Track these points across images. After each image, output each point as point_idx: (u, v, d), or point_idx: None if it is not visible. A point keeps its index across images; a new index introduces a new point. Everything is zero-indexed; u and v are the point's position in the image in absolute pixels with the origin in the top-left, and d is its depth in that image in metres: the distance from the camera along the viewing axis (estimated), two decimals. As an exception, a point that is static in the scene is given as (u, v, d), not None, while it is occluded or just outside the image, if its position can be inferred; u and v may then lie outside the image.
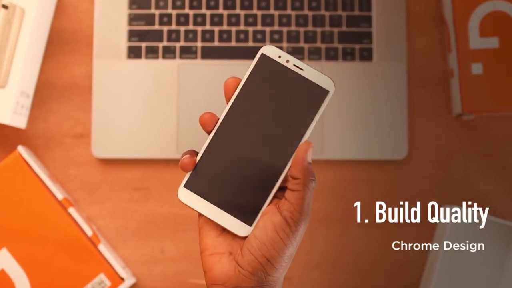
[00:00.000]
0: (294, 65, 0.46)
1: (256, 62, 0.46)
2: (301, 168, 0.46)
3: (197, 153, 0.48)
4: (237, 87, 0.47)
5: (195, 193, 0.46)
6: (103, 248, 0.70)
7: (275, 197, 0.48)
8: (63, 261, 0.69)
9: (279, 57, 0.47)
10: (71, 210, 0.70)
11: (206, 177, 0.46)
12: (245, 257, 0.46)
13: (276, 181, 0.46)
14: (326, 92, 0.46)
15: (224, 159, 0.46)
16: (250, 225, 0.46)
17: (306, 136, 0.47)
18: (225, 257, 0.47)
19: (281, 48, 0.74)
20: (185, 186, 0.46)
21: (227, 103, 0.47)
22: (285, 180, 0.48)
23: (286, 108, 0.46)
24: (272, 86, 0.46)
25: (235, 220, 0.46)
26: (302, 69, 0.47)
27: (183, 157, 0.47)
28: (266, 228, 0.45)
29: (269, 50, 0.47)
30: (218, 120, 0.47)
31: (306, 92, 0.46)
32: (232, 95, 0.47)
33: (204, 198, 0.46)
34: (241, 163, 0.46)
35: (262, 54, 0.47)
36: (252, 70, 0.46)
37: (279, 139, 0.46)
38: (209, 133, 0.48)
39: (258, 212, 0.46)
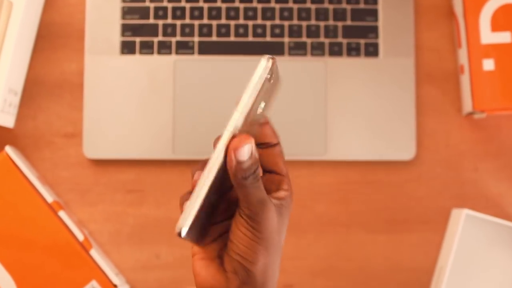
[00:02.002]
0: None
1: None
2: (231, 170, 0.45)
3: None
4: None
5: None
6: (95, 253, 0.70)
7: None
8: (53, 267, 0.69)
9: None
10: (62, 213, 0.70)
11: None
12: (225, 259, 0.48)
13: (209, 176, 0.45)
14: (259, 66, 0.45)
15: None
16: (184, 226, 0.45)
17: (236, 123, 0.46)
18: (215, 262, 0.48)
19: (282, 44, 0.74)
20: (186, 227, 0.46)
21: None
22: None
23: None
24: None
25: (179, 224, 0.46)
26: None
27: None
28: (232, 229, 0.47)
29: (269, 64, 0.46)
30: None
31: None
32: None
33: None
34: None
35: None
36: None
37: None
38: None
39: (191, 211, 0.45)
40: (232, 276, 0.47)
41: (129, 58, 0.74)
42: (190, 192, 0.47)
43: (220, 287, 0.47)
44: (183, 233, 0.45)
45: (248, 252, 0.46)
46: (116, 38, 0.74)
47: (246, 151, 0.45)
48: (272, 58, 0.46)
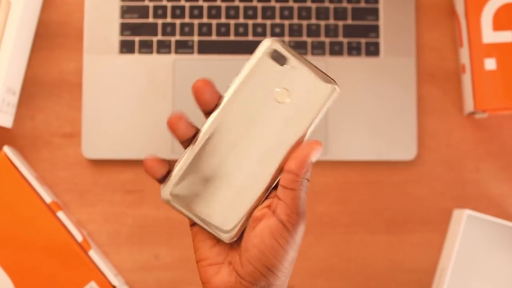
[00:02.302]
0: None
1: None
2: (302, 164, 0.44)
3: (191, 125, 0.46)
4: (207, 91, 0.45)
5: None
6: (94, 254, 0.69)
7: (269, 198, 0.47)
8: (52, 268, 0.69)
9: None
10: (60, 214, 0.70)
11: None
12: (245, 267, 0.45)
13: (265, 183, 0.46)
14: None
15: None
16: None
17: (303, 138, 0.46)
18: (225, 267, 0.46)
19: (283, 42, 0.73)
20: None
21: (199, 107, 0.46)
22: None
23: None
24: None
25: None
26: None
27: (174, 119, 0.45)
28: (263, 236, 0.44)
29: (270, 45, 0.46)
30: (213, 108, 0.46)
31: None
32: (232, 85, 0.46)
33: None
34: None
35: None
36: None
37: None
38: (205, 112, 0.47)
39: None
40: (251, 287, 0.44)
41: (128, 57, 0.74)
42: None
43: None
44: (163, 195, 0.45)
45: (280, 267, 0.44)
46: (115, 37, 0.74)
47: (317, 155, 0.45)
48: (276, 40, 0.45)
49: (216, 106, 0.46)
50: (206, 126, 0.46)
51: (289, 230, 0.44)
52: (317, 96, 0.45)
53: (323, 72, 0.46)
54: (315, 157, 0.45)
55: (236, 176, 0.46)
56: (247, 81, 0.46)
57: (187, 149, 0.46)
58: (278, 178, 0.46)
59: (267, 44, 0.46)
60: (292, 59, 0.46)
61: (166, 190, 0.46)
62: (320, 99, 0.45)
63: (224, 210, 0.46)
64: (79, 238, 0.69)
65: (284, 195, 0.45)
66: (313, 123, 0.46)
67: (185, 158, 0.46)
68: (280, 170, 0.46)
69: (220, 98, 0.46)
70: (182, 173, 0.46)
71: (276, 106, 0.46)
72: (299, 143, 0.46)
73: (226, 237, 0.46)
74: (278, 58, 0.45)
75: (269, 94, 0.45)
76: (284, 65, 0.45)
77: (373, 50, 0.74)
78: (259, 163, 0.46)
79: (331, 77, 0.46)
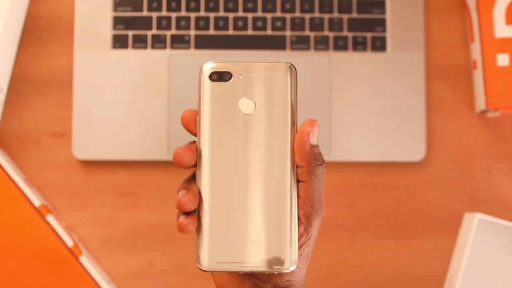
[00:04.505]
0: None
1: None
2: (304, 154, 0.45)
3: (191, 179, 0.47)
4: (186, 157, 0.46)
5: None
6: (85, 260, 0.70)
7: None
8: (41, 275, 0.69)
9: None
10: (50, 218, 0.70)
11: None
12: None
13: (289, 189, 0.46)
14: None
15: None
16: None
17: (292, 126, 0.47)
18: None
19: (283, 37, 0.73)
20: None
21: (195, 135, 0.47)
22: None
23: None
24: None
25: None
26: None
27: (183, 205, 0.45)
28: None
29: (205, 71, 0.47)
30: (198, 156, 0.47)
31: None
32: (198, 126, 0.47)
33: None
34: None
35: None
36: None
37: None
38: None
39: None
40: (265, 285, 0.45)
41: (121, 52, 0.74)
42: (188, 180, 0.46)
43: None
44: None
45: None
46: (107, 31, 0.74)
47: (317, 134, 0.45)
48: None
49: (197, 156, 0.46)
50: (203, 183, 0.46)
51: (304, 224, 0.45)
52: (277, 84, 0.46)
53: (269, 61, 0.46)
54: (313, 139, 0.45)
55: (260, 202, 0.45)
56: (210, 114, 0.46)
57: (197, 212, 0.46)
58: (295, 175, 0.46)
59: (204, 71, 0.47)
60: (234, 68, 0.46)
61: (204, 259, 0.45)
62: (282, 83, 0.46)
63: (270, 241, 0.45)
64: (70, 243, 0.69)
65: (301, 183, 0.45)
66: (293, 109, 0.46)
67: (201, 220, 0.46)
68: (293, 167, 0.46)
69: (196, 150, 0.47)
70: (209, 235, 0.45)
71: (249, 118, 0.46)
72: (294, 134, 0.46)
73: (287, 267, 0.45)
74: (221, 76, 0.46)
75: (236, 113, 0.46)
76: (232, 78, 0.46)
77: (379, 45, 0.74)
78: (272, 177, 0.45)
79: (282, 61, 0.47)
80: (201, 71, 0.46)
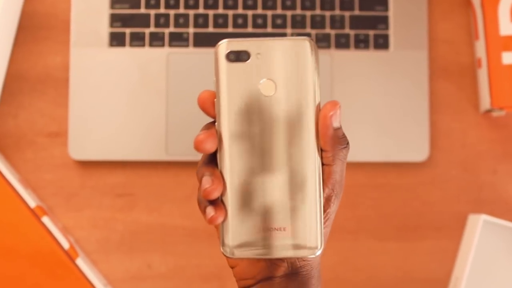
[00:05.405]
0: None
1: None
2: (328, 138, 0.45)
3: (214, 159, 0.46)
4: (208, 143, 0.45)
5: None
6: (81, 262, 0.70)
7: None
8: (36, 278, 0.69)
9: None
10: (45, 219, 0.70)
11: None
12: None
13: (313, 173, 0.45)
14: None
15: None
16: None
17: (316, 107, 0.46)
18: None
19: (284, 35, 0.73)
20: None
21: (212, 117, 0.46)
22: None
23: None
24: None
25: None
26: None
27: (206, 184, 0.45)
28: None
29: (222, 50, 0.45)
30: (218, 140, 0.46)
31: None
32: (217, 110, 0.46)
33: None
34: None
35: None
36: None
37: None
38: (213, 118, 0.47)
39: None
40: (281, 264, 0.46)
41: (118, 50, 0.74)
42: (206, 164, 0.45)
43: (264, 274, 0.46)
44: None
45: None
46: (104, 29, 0.74)
47: (339, 116, 0.45)
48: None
49: (218, 139, 0.46)
50: (226, 166, 0.45)
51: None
52: (298, 62, 0.45)
53: (290, 38, 0.46)
54: (336, 121, 0.45)
55: (283, 187, 0.45)
56: (229, 97, 0.45)
57: (220, 198, 0.46)
58: (320, 159, 0.46)
59: (219, 51, 0.46)
60: (252, 47, 0.45)
61: (228, 246, 0.45)
62: (304, 62, 0.45)
63: (295, 226, 0.45)
64: (66, 245, 0.69)
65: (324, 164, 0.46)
66: (315, 88, 0.45)
67: (225, 206, 0.45)
68: (317, 150, 0.46)
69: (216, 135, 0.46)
70: (232, 221, 0.45)
71: (270, 99, 0.45)
72: (318, 115, 0.46)
73: (312, 252, 0.45)
74: (239, 56, 0.45)
75: (257, 95, 0.45)
76: (250, 58, 0.45)
77: (382, 42, 0.74)
78: (294, 161, 0.45)
79: (301, 36, 0.46)
80: (216, 51, 0.45)
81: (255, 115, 0.45)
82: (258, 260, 0.47)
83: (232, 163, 0.45)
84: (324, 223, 0.45)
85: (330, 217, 0.46)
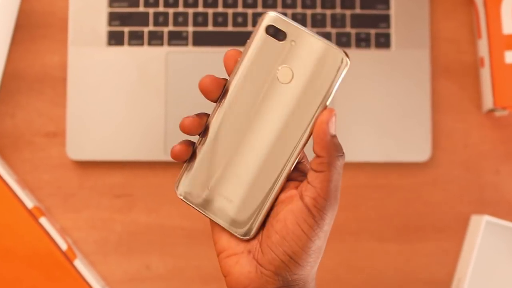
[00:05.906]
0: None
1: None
2: (324, 144, 0.44)
3: (192, 144, 0.48)
4: (214, 89, 0.47)
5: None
6: (79, 264, 0.70)
7: (294, 180, 0.47)
8: (33, 279, 0.69)
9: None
10: (43, 220, 0.70)
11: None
12: (266, 255, 0.45)
13: (281, 173, 0.47)
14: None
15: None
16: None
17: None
18: (244, 257, 0.46)
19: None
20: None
21: (229, 77, 0.47)
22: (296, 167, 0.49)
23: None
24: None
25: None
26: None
27: (175, 146, 0.47)
28: (286, 220, 0.45)
29: (267, 20, 0.47)
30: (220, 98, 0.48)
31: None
32: (234, 69, 0.47)
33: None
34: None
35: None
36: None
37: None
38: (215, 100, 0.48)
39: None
40: (273, 277, 0.45)
41: (116, 50, 0.74)
42: (203, 113, 0.48)
43: (256, 286, 0.46)
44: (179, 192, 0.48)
45: (303, 256, 0.45)
46: (102, 28, 0.74)
47: (335, 124, 0.45)
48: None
49: (221, 95, 0.47)
50: (214, 120, 0.47)
51: (314, 215, 0.44)
52: (324, 69, 0.46)
53: (329, 43, 0.46)
54: (332, 128, 0.45)
55: (250, 167, 0.47)
56: (249, 63, 0.46)
57: (197, 143, 0.48)
58: (294, 164, 0.47)
59: (264, 19, 0.46)
60: (292, 32, 0.46)
61: (181, 187, 0.48)
62: (329, 72, 0.46)
63: (240, 204, 0.47)
64: (64, 246, 0.69)
65: (312, 177, 0.45)
66: (328, 99, 0.46)
67: (195, 153, 0.48)
68: (297, 155, 0.47)
69: (225, 85, 0.47)
70: (195, 169, 0.48)
71: (282, 87, 0.46)
72: (315, 123, 0.46)
73: (241, 233, 0.47)
74: (276, 34, 0.46)
75: (272, 75, 0.46)
76: (285, 40, 0.46)
77: (383, 41, 0.74)
78: (273, 151, 0.47)
79: (339, 47, 0.46)
80: (262, 18, 0.46)
81: (262, 93, 0.46)
82: (238, 262, 0.47)
83: (223, 120, 0.47)
84: (316, 234, 0.45)
85: (323, 229, 0.45)
